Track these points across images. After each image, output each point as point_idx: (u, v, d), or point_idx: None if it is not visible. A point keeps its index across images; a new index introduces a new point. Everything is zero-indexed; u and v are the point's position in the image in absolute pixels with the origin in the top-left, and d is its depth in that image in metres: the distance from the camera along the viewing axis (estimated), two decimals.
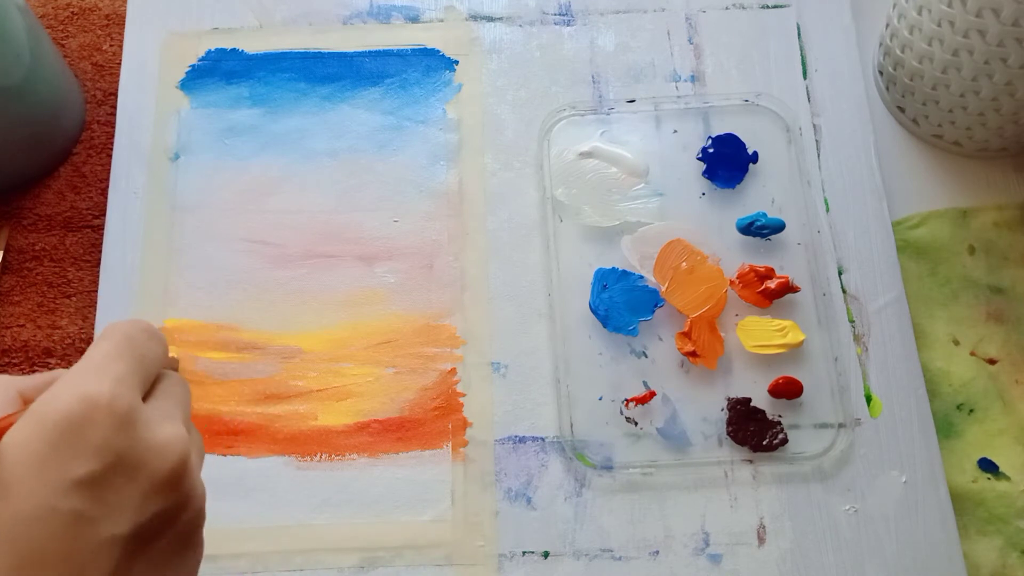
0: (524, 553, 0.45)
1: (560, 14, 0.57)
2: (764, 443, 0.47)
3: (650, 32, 0.56)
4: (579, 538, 0.46)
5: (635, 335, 0.49)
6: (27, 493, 0.23)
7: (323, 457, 0.47)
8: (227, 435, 0.48)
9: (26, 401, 0.28)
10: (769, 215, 0.51)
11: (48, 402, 0.25)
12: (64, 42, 0.58)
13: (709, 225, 0.51)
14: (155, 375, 0.29)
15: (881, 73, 0.56)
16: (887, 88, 0.55)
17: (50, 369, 0.50)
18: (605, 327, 0.49)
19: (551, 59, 0.55)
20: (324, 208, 0.52)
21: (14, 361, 0.50)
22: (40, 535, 0.23)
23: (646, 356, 0.49)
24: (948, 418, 0.48)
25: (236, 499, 0.46)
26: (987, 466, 0.47)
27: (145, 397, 0.28)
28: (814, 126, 0.53)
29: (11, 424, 0.25)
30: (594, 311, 0.49)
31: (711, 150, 0.52)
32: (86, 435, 0.24)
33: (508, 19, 0.57)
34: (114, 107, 0.55)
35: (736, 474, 0.47)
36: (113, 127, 0.54)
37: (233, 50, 0.56)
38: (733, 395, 0.48)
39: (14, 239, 0.53)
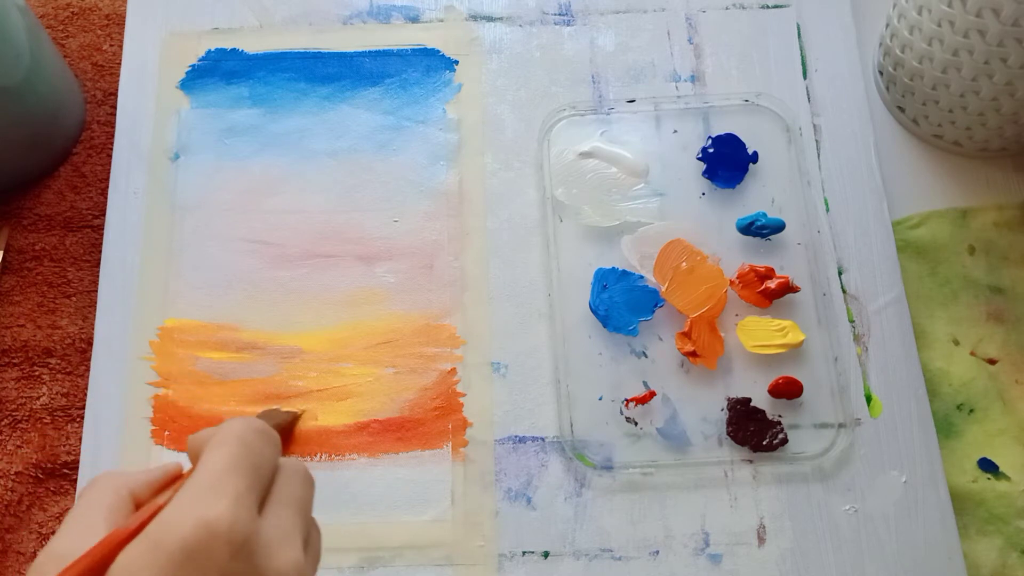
0: (524, 553, 0.45)
1: (560, 14, 0.57)
2: (764, 443, 0.47)
3: (650, 32, 0.56)
4: (579, 538, 0.46)
5: (635, 335, 0.49)
6: None
7: (323, 457, 0.47)
8: None
9: (138, 503, 0.28)
10: (769, 215, 0.51)
11: (164, 528, 0.24)
12: (64, 42, 0.58)
13: (709, 225, 0.51)
14: (271, 481, 0.28)
15: (881, 73, 0.56)
16: (887, 88, 0.55)
17: (50, 369, 0.50)
18: (605, 327, 0.49)
19: (551, 59, 0.55)
20: (324, 208, 0.52)
21: (14, 361, 0.50)
22: None
23: (646, 356, 0.49)
24: (948, 418, 0.48)
25: None
26: (987, 466, 0.47)
27: (262, 505, 0.27)
28: (814, 126, 0.53)
29: (122, 541, 0.24)
30: (594, 311, 0.49)
31: (711, 150, 0.52)
32: (203, 566, 0.24)
33: (508, 19, 0.57)
34: (114, 107, 0.55)
35: (736, 474, 0.47)
36: (113, 127, 0.54)
37: (233, 50, 0.56)
38: (733, 395, 0.48)
39: (14, 239, 0.53)
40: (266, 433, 0.28)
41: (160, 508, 0.25)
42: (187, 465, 0.29)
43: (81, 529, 0.26)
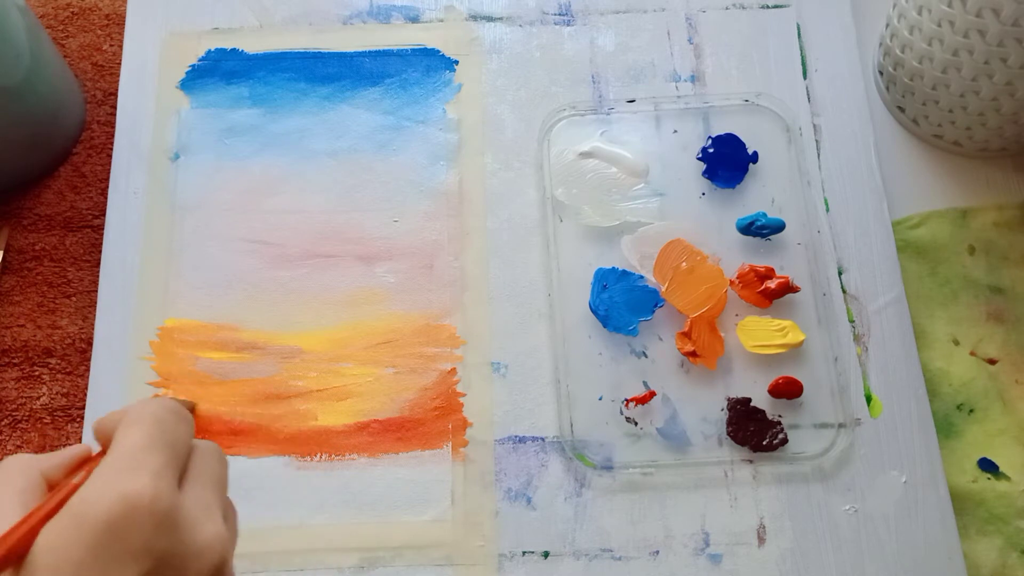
0: (524, 553, 0.45)
1: (560, 14, 0.57)
2: (764, 443, 0.47)
3: (650, 32, 0.56)
4: (579, 538, 0.46)
5: (635, 335, 0.49)
6: None
7: (323, 457, 0.47)
8: (227, 435, 0.48)
9: (50, 485, 0.28)
10: (769, 215, 0.51)
11: (86, 503, 0.24)
12: (64, 42, 0.58)
13: (709, 225, 0.51)
14: (187, 458, 0.28)
15: (881, 73, 0.56)
16: (887, 88, 0.55)
17: (50, 369, 0.50)
18: (605, 327, 0.49)
19: (551, 59, 0.55)
20: (324, 208, 0.52)
21: (14, 361, 0.50)
22: None
23: (646, 356, 0.49)
24: (948, 418, 0.48)
25: (236, 499, 0.46)
26: (987, 466, 0.47)
27: (180, 481, 0.27)
28: (814, 126, 0.53)
29: (42, 519, 0.24)
30: (594, 311, 0.49)
31: (711, 150, 0.52)
32: (127, 539, 0.24)
33: (508, 19, 0.57)
34: (114, 107, 0.55)
35: (736, 474, 0.47)
36: (113, 127, 0.54)
37: (233, 50, 0.56)
38: (733, 395, 0.48)
39: (14, 239, 0.53)
40: (179, 412, 0.28)
41: (76, 487, 0.25)
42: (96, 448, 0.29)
43: None
